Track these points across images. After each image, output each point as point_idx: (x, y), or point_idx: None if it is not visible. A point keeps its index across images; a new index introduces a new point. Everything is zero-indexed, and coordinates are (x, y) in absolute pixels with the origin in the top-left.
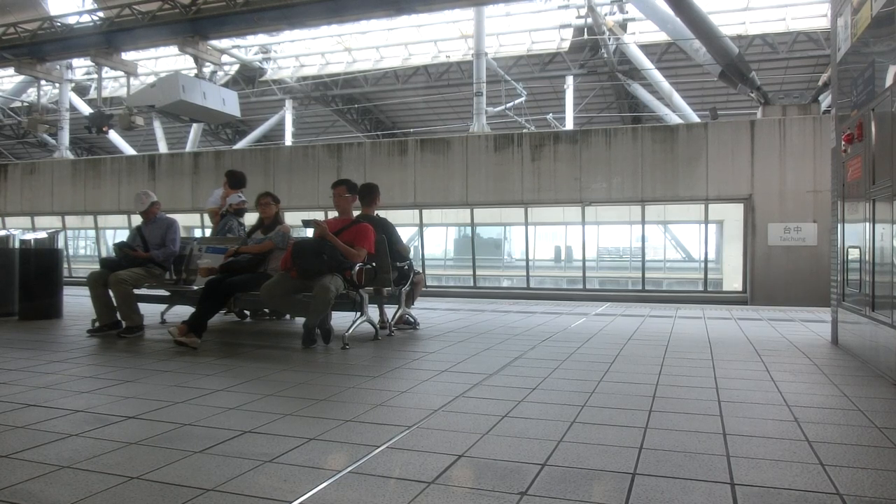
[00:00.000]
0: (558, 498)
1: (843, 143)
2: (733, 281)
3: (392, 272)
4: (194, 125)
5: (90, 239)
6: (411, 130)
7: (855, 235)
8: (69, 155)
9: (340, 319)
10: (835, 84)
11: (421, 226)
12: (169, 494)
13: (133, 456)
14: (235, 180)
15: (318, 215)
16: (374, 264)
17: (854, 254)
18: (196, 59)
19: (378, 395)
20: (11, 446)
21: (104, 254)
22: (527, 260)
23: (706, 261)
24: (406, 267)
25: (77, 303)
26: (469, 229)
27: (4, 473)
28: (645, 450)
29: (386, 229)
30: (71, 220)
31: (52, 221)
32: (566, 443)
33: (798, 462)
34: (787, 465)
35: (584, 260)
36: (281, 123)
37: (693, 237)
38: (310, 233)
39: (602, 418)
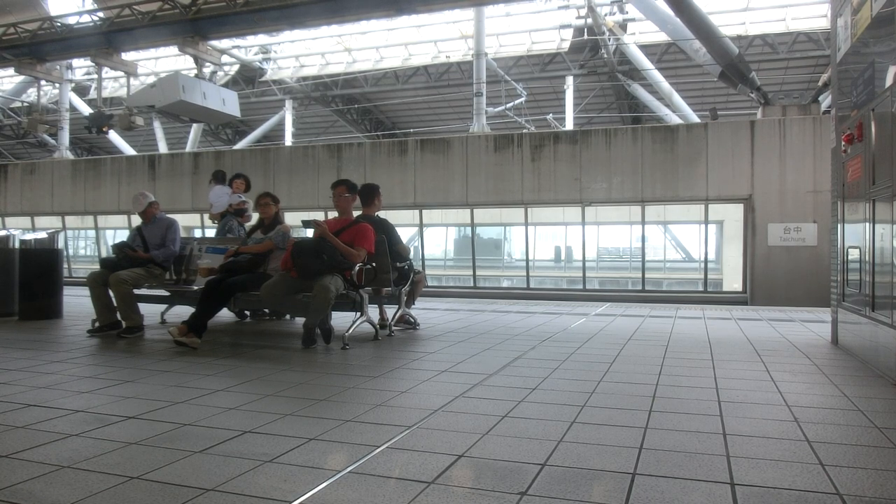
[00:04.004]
0: (558, 498)
1: (843, 143)
2: (733, 281)
3: (392, 272)
4: (194, 125)
5: (90, 239)
6: (411, 131)
7: (855, 236)
8: (69, 155)
9: (340, 319)
10: (835, 84)
11: (421, 226)
12: (169, 494)
13: (133, 456)
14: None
15: (318, 215)
16: (373, 264)
17: (854, 254)
18: (196, 60)
19: (378, 395)
20: (11, 446)
21: (104, 254)
22: (527, 260)
23: (706, 261)
24: (406, 267)
25: (77, 303)
26: (469, 229)
27: (4, 473)
28: (645, 450)
29: (385, 230)
30: (71, 221)
31: (52, 221)
32: (566, 443)
33: (798, 462)
34: (787, 465)
35: (583, 260)
36: (281, 124)
37: (693, 237)
38: (310, 233)
39: (602, 418)
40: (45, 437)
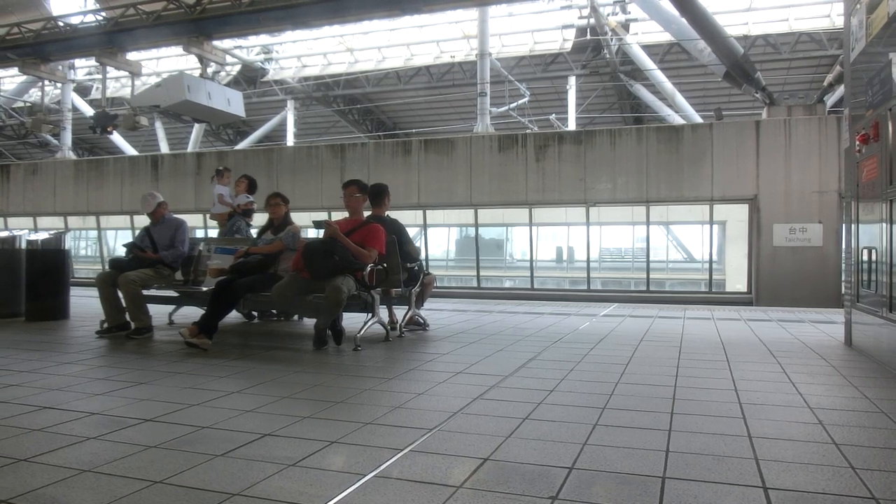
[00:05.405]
0: (590, 502)
1: (857, 143)
2: (736, 282)
3: (402, 273)
4: (196, 125)
5: (91, 240)
6: (413, 131)
7: (870, 236)
8: (71, 155)
9: (350, 320)
10: (848, 84)
11: (425, 226)
12: (194, 499)
13: (154, 459)
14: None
15: (322, 216)
16: (384, 265)
17: (869, 254)
18: (201, 60)
19: (395, 397)
20: (30, 450)
21: (106, 255)
22: (531, 261)
23: (711, 262)
24: (416, 268)
25: (81, 303)
26: (470, 229)
27: (25, 478)
28: (672, 453)
29: (397, 230)
30: (72, 221)
31: (55, 222)
32: (591, 446)
33: (828, 465)
34: (817, 468)
35: (588, 261)
36: (283, 124)
37: (695, 238)
38: (321, 233)
39: (624, 420)
40: (63, 440)
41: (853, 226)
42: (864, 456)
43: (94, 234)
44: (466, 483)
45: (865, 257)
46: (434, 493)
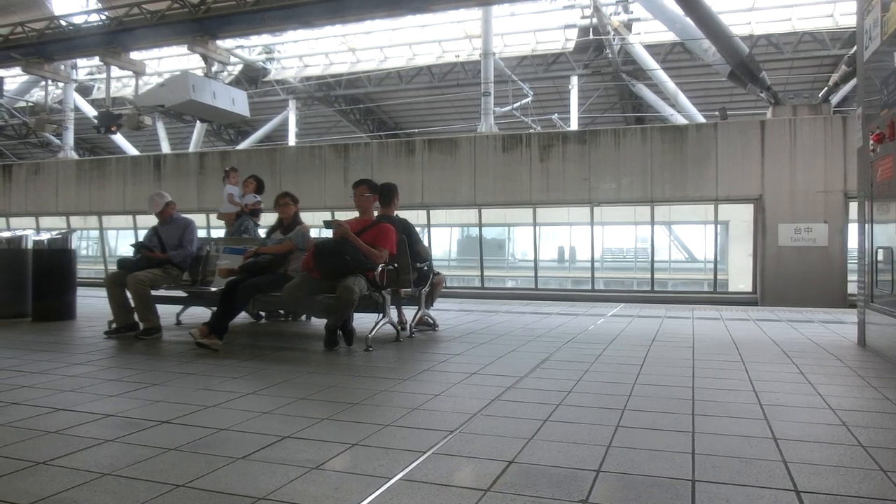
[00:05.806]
0: None
1: (872, 142)
2: (739, 282)
3: (412, 273)
4: (198, 125)
5: (92, 240)
6: (415, 131)
7: (886, 236)
8: (73, 155)
9: (358, 321)
10: (861, 83)
11: (428, 226)
12: (220, 503)
13: (175, 462)
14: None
15: (326, 216)
16: (395, 265)
17: (885, 254)
18: (205, 59)
19: (411, 398)
20: (47, 452)
21: (108, 255)
22: (535, 261)
23: (716, 261)
24: (426, 268)
25: (86, 304)
26: (471, 229)
27: (45, 481)
28: (698, 455)
29: (407, 230)
30: (74, 221)
31: (57, 222)
32: (616, 448)
33: (858, 468)
34: (847, 471)
35: (592, 261)
36: (284, 124)
37: (697, 238)
38: (327, 233)
39: (646, 422)
40: (81, 442)
41: (867, 225)
42: (892, 458)
43: (95, 233)
44: (494, 487)
45: (880, 257)
46: (462, 497)
